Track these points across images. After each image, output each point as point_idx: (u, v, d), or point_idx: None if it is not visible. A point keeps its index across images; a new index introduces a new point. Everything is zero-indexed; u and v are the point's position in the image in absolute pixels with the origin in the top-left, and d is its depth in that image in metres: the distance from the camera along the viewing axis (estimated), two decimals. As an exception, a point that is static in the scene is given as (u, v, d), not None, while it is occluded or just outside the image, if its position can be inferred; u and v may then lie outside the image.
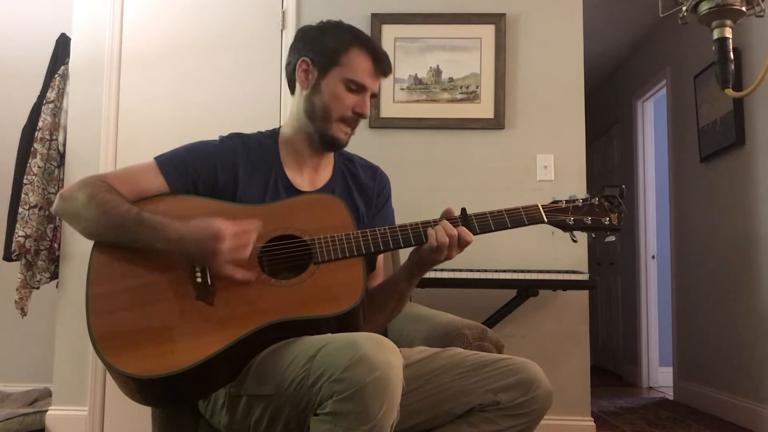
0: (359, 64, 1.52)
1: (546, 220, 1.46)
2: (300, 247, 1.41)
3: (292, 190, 1.54)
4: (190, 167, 1.49)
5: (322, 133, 1.53)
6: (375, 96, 1.57)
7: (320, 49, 1.54)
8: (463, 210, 1.45)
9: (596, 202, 1.48)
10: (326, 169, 1.62)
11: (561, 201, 1.49)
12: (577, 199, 1.48)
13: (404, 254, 1.54)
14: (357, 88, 1.51)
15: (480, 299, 2.90)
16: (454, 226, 1.41)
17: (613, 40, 5.10)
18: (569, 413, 2.95)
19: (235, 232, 1.33)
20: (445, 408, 1.40)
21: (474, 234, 1.43)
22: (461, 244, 1.41)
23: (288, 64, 1.59)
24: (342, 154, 1.67)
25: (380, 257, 1.62)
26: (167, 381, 1.26)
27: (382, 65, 1.54)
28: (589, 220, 1.47)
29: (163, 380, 1.26)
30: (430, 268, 1.48)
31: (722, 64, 1.35)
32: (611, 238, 1.48)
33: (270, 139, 1.60)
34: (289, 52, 1.60)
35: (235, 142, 1.56)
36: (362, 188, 1.64)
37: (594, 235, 1.49)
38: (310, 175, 1.59)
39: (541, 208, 1.46)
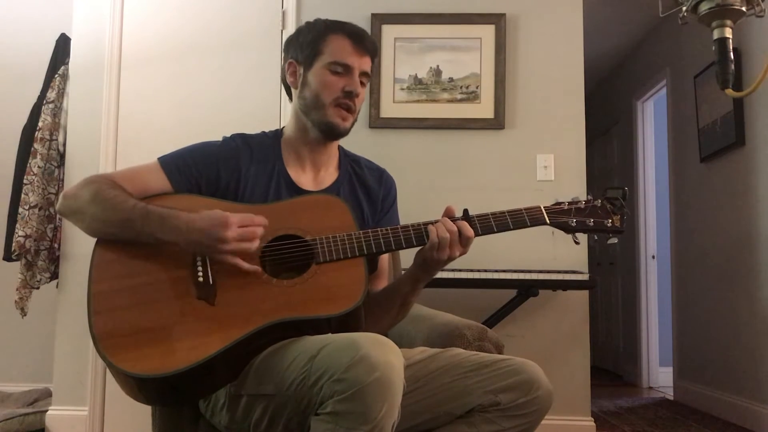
0: (339, 46, 1.53)
1: (548, 221, 1.45)
2: (302, 247, 1.41)
3: (296, 189, 1.54)
4: (193, 167, 1.49)
5: (319, 122, 1.53)
6: (368, 76, 1.57)
7: (300, 46, 1.56)
8: (465, 211, 1.45)
9: (599, 204, 1.47)
10: (331, 169, 1.62)
11: (564, 202, 1.48)
12: (579, 201, 1.48)
13: (408, 261, 1.54)
14: (342, 69, 1.52)
15: (480, 299, 2.90)
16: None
17: (613, 40, 5.10)
18: (569, 413, 2.95)
19: (241, 220, 1.34)
20: (446, 408, 1.40)
21: (476, 235, 1.42)
22: (463, 241, 1.41)
23: (282, 73, 1.62)
24: (348, 156, 1.67)
25: (384, 261, 1.62)
26: (168, 380, 1.26)
27: (362, 42, 1.54)
28: (591, 222, 1.46)
29: (164, 379, 1.26)
30: (434, 271, 1.47)
31: (722, 64, 1.35)
32: (614, 240, 1.48)
33: (272, 139, 1.60)
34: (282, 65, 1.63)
35: (238, 142, 1.56)
36: (368, 190, 1.64)
37: (597, 237, 1.49)
38: (313, 175, 1.59)
39: (543, 210, 1.46)
